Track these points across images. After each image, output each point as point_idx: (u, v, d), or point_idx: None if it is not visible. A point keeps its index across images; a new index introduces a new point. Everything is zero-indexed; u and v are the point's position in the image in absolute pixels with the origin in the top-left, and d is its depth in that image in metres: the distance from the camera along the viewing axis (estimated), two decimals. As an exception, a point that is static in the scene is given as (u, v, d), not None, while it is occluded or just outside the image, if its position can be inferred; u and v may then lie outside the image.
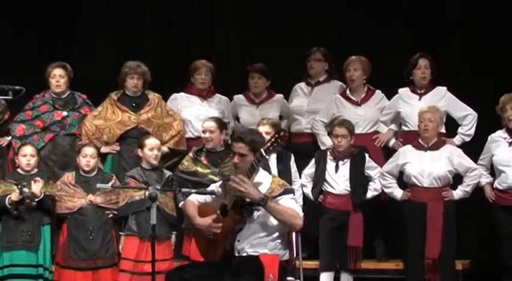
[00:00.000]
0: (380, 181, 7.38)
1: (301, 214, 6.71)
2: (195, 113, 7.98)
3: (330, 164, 7.41)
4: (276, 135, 5.50)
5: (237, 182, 5.49)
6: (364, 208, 7.38)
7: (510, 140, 7.08)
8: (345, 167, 7.38)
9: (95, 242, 7.13)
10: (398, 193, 7.31)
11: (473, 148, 7.37)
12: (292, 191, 5.84)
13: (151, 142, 7.28)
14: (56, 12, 9.08)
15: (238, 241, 5.71)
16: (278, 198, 5.65)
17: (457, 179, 7.25)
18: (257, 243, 5.69)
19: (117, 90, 7.83)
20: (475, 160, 7.25)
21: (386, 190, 7.37)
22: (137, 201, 7.13)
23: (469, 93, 7.78)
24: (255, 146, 5.64)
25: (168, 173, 7.32)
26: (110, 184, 7.10)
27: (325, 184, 7.39)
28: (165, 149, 7.63)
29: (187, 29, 9.13)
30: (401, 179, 7.35)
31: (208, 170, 7.20)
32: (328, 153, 7.46)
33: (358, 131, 7.59)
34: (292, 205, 5.67)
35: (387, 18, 8.63)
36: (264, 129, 7.19)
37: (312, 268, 7.38)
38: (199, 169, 7.21)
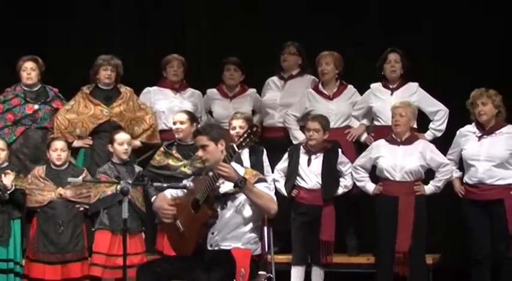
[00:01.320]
0: (352, 174, 7.41)
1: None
2: (168, 105, 8.00)
3: (303, 159, 7.43)
4: (249, 130, 5.51)
5: (218, 167, 5.51)
6: (335, 202, 7.41)
7: (479, 135, 7.11)
8: (318, 161, 7.40)
9: (64, 236, 7.11)
10: (370, 186, 7.35)
11: (444, 143, 7.41)
12: (265, 181, 5.87)
13: (121, 136, 7.28)
14: (28, 8, 9.02)
15: (213, 233, 5.72)
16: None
17: (429, 174, 7.29)
18: (229, 237, 5.71)
19: (89, 84, 7.81)
20: (446, 155, 7.30)
21: (358, 184, 7.40)
22: (109, 196, 7.13)
23: (440, 88, 7.83)
24: (213, 136, 5.70)
25: (138, 168, 7.32)
26: (81, 177, 7.08)
27: (297, 178, 7.41)
28: (137, 143, 7.63)
29: (159, 25, 9.11)
30: (374, 173, 7.39)
31: (180, 163, 7.20)
32: (301, 147, 7.48)
33: (330, 125, 7.61)
34: (267, 191, 5.70)
35: (359, 13, 8.66)
36: (238, 123, 7.22)
37: (284, 262, 7.40)
38: (171, 162, 7.22)
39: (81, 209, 7.22)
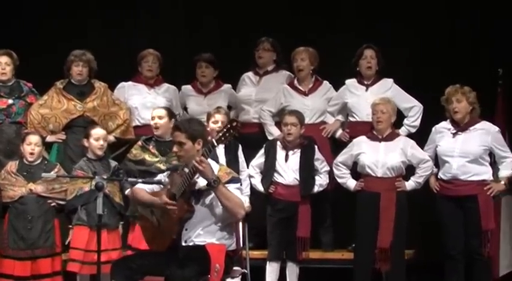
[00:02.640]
0: (334, 171, 7.42)
1: (247, 204, 6.76)
2: (141, 100, 7.98)
3: (280, 154, 7.43)
4: (229, 126, 5.50)
5: (197, 160, 5.49)
6: (311, 198, 7.41)
7: (454, 131, 7.16)
8: (295, 157, 7.41)
9: (33, 232, 7.06)
10: (351, 183, 7.35)
11: (419, 139, 7.44)
12: (238, 181, 5.86)
13: (97, 132, 7.25)
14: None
15: (186, 229, 5.71)
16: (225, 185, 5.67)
17: (409, 170, 7.34)
18: (204, 232, 5.70)
19: (63, 79, 7.77)
20: (422, 151, 7.35)
21: (339, 180, 7.41)
22: (86, 192, 7.09)
23: (415, 84, 7.86)
24: (192, 134, 5.66)
25: (114, 162, 7.30)
26: (54, 172, 7.04)
27: (275, 174, 7.41)
28: (111, 138, 7.60)
29: (134, 19, 9.08)
30: (355, 169, 7.41)
31: (156, 159, 7.19)
32: (278, 143, 7.48)
33: (305, 121, 7.62)
34: (237, 194, 5.69)
35: (334, 9, 8.67)
36: (221, 118, 7.22)
37: (259, 258, 7.41)
38: (147, 158, 7.20)
39: (54, 204, 7.18)
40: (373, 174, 7.23)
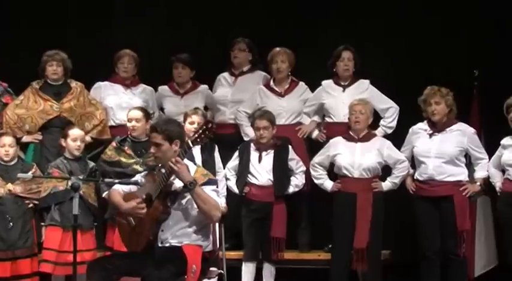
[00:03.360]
0: (311, 172, 7.43)
1: (223, 205, 6.75)
2: (117, 101, 7.96)
3: (254, 155, 7.44)
4: (204, 127, 5.50)
5: (173, 161, 5.48)
6: (287, 199, 7.42)
7: (430, 132, 7.20)
8: (268, 158, 7.41)
9: (13, 232, 7.02)
10: (328, 184, 7.37)
11: (395, 140, 7.47)
12: (215, 183, 5.86)
13: (74, 132, 7.23)
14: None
15: (162, 230, 5.70)
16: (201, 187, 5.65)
17: (385, 170, 7.37)
18: (180, 234, 5.70)
19: (39, 80, 7.74)
20: (398, 152, 7.37)
21: (316, 181, 7.42)
22: (61, 191, 7.07)
23: (391, 85, 7.89)
24: (169, 135, 5.65)
25: (91, 163, 7.27)
26: (31, 173, 7.00)
27: (248, 175, 7.41)
28: (88, 138, 7.57)
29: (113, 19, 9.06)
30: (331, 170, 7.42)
31: (131, 160, 7.16)
32: (252, 144, 7.49)
33: (281, 122, 7.64)
34: (214, 196, 5.68)
35: (310, 9, 8.69)
36: (198, 119, 7.21)
37: (235, 259, 7.41)
38: (123, 159, 7.17)
39: (31, 205, 7.14)
40: (349, 175, 7.25)
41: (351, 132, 7.33)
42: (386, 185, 7.29)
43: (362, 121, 7.26)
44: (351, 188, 7.23)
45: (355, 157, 7.25)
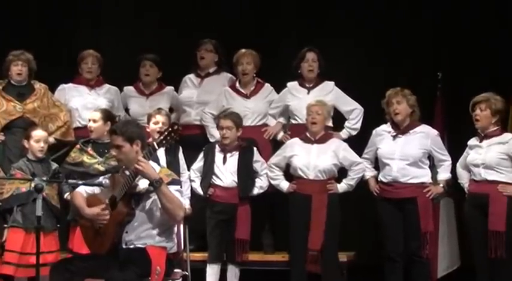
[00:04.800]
0: (267, 172, 7.44)
1: (187, 207, 6.74)
2: (82, 102, 7.93)
3: (218, 157, 7.43)
4: (170, 129, 5.49)
5: (137, 161, 5.46)
6: (251, 200, 7.43)
7: (394, 134, 7.22)
8: (233, 159, 7.42)
9: (-23, 234, 6.98)
10: (284, 185, 7.39)
11: (360, 142, 7.50)
12: (178, 183, 5.84)
13: (37, 133, 7.18)
14: None
15: (126, 232, 5.67)
16: None
17: (342, 172, 7.39)
18: (145, 235, 5.67)
19: (2, 80, 7.68)
20: (362, 154, 7.38)
21: (273, 182, 7.44)
22: (23, 193, 7.02)
23: (356, 87, 7.92)
24: (129, 136, 5.62)
25: (54, 165, 7.23)
26: (-8, 174, 6.97)
27: (213, 176, 7.40)
28: (51, 140, 7.53)
29: (75, 19, 9.01)
30: (289, 171, 7.43)
31: (93, 160, 7.15)
32: (217, 145, 7.48)
33: (247, 123, 7.65)
34: (178, 196, 5.67)
35: (274, 9, 8.71)
36: (162, 119, 7.20)
37: (200, 260, 7.40)
38: (85, 159, 7.15)
39: (-8, 206, 7.10)
40: (305, 176, 7.27)
41: (307, 134, 7.34)
42: (342, 187, 7.32)
43: (318, 122, 7.27)
44: (306, 189, 7.26)
45: (311, 159, 7.27)
